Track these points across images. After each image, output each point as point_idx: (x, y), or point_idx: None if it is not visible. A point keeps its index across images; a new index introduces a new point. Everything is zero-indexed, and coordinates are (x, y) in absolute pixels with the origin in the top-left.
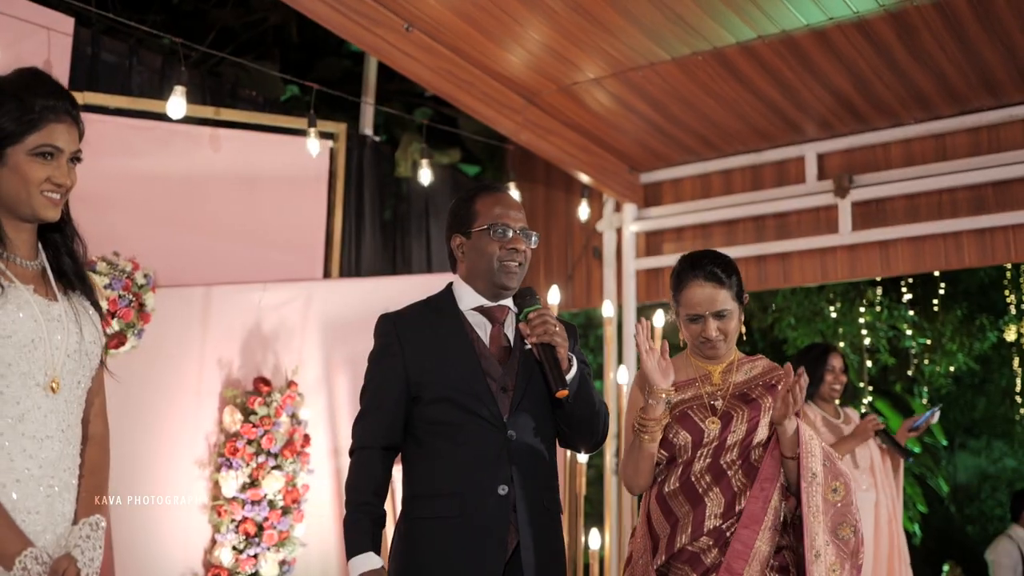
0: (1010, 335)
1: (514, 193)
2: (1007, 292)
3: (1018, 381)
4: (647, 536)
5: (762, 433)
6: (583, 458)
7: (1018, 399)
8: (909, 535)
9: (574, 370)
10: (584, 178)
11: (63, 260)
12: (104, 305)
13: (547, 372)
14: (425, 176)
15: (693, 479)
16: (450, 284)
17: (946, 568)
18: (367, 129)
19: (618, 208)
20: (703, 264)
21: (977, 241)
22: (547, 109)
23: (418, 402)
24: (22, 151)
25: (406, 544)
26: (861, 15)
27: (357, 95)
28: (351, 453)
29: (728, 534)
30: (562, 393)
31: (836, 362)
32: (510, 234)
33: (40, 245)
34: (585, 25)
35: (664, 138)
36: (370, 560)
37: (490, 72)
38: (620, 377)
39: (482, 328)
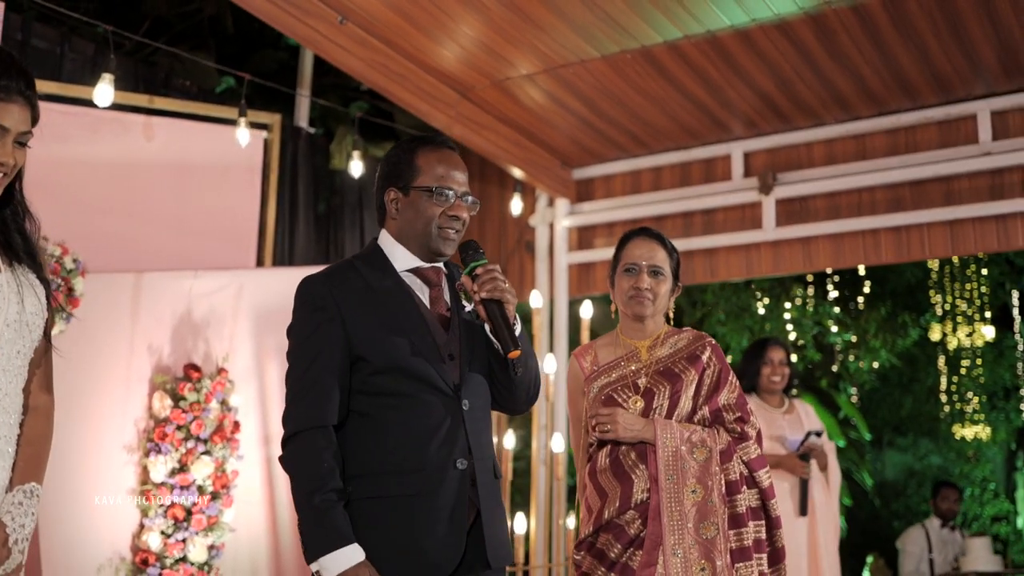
0: (935, 334)
1: (355, 167)
2: (932, 292)
3: (943, 380)
4: (585, 511)
5: (685, 406)
6: (509, 444)
7: (943, 397)
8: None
9: (518, 327)
10: (517, 173)
11: (13, 236)
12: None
13: (498, 331)
14: (356, 168)
15: (620, 457)
16: (375, 240)
17: (870, 560)
18: (302, 121)
19: (551, 203)
20: (646, 228)
21: (894, 238)
22: (481, 104)
23: (360, 371)
24: None
25: (370, 523)
26: (782, 16)
27: (293, 88)
28: (286, 442)
29: (633, 533)
30: (515, 353)
31: (774, 354)
32: (453, 199)
33: None
34: (517, 21)
35: (595, 135)
36: (353, 554)
37: (424, 66)
38: (548, 366)
39: (421, 291)
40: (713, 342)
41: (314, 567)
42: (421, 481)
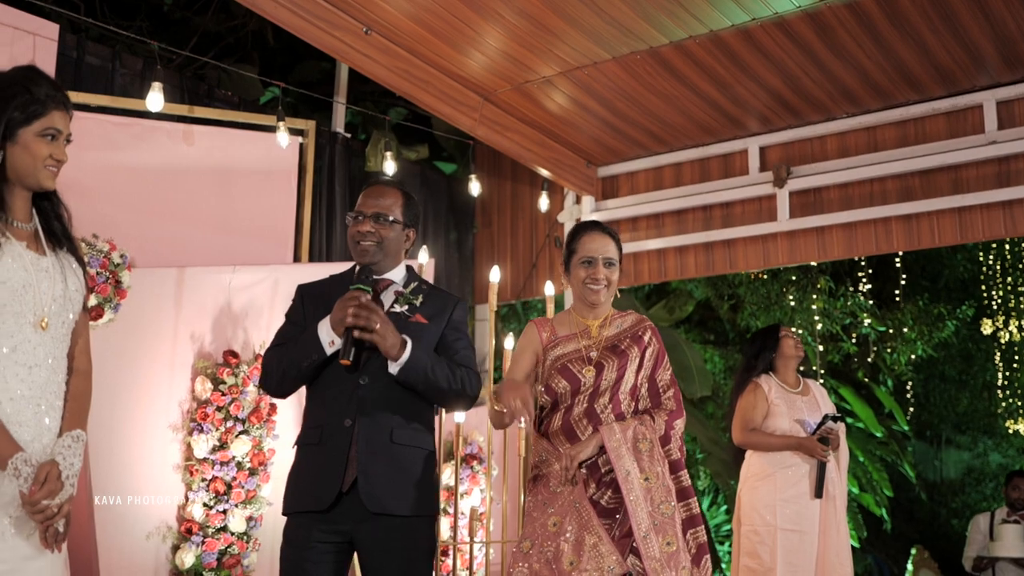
0: (987, 328)
1: (387, 167)
2: (983, 287)
3: (999, 376)
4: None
5: (629, 380)
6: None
7: (999, 394)
8: (878, 519)
9: (406, 355)
10: (543, 172)
11: (52, 223)
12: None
13: (343, 343)
14: (388, 168)
15: (572, 422)
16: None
17: (913, 552)
18: (339, 127)
19: (578, 200)
20: (596, 223)
21: (905, 226)
22: (503, 107)
23: None
24: (31, 133)
25: (291, 467)
26: (780, 15)
27: (332, 96)
28: (266, 358)
29: (601, 467)
30: (345, 362)
31: (786, 331)
32: (359, 218)
33: (33, 211)
34: (531, 28)
35: (617, 134)
36: (324, 322)
37: (447, 72)
38: None
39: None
40: (652, 325)
41: (325, 337)
42: (320, 434)
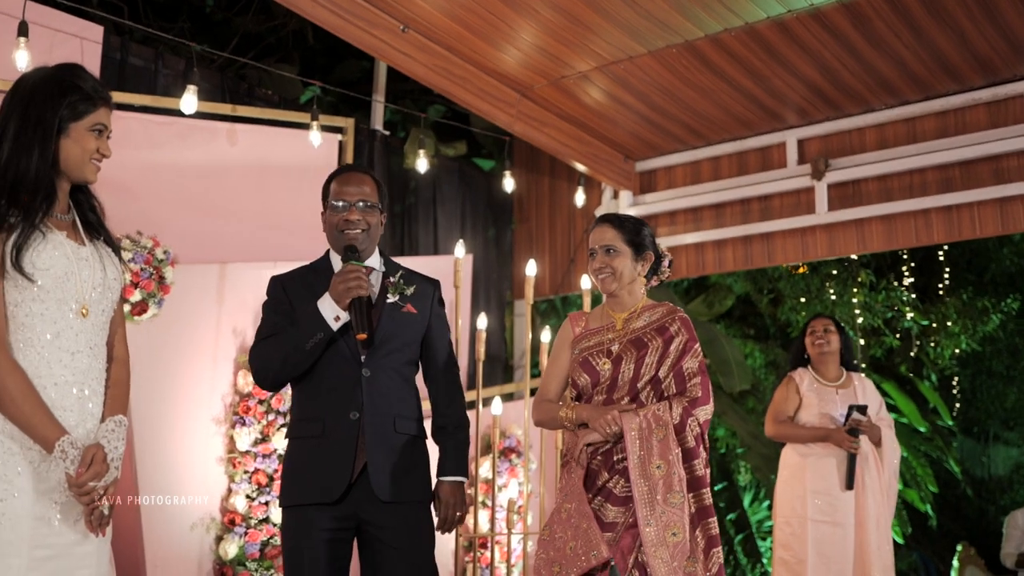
0: None
1: (422, 164)
2: None
3: None
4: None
5: (648, 372)
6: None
7: None
8: (923, 515)
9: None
10: (580, 167)
11: (88, 214)
12: (128, 277)
13: (353, 316)
14: (423, 165)
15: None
16: (328, 251)
17: (959, 549)
18: (377, 124)
19: (615, 195)
20: (603, 215)
21: (945, 218)
22: (540, 102)
23: None
24: (82, 127)
25: (287, 460)
26: (816, 6)
27: (371, 95)
28: (258, 352)
29: (616, 459)
30: (361, 336)
31: (817, 324)
32: (343, 206)
33: (70, 202)
34: (567, 24)
35: (654, 128)
36: (324, 299)
37: (483, 68)
38: None
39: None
40: (683, 316)
41: (329, 313)
42: (320, 427)
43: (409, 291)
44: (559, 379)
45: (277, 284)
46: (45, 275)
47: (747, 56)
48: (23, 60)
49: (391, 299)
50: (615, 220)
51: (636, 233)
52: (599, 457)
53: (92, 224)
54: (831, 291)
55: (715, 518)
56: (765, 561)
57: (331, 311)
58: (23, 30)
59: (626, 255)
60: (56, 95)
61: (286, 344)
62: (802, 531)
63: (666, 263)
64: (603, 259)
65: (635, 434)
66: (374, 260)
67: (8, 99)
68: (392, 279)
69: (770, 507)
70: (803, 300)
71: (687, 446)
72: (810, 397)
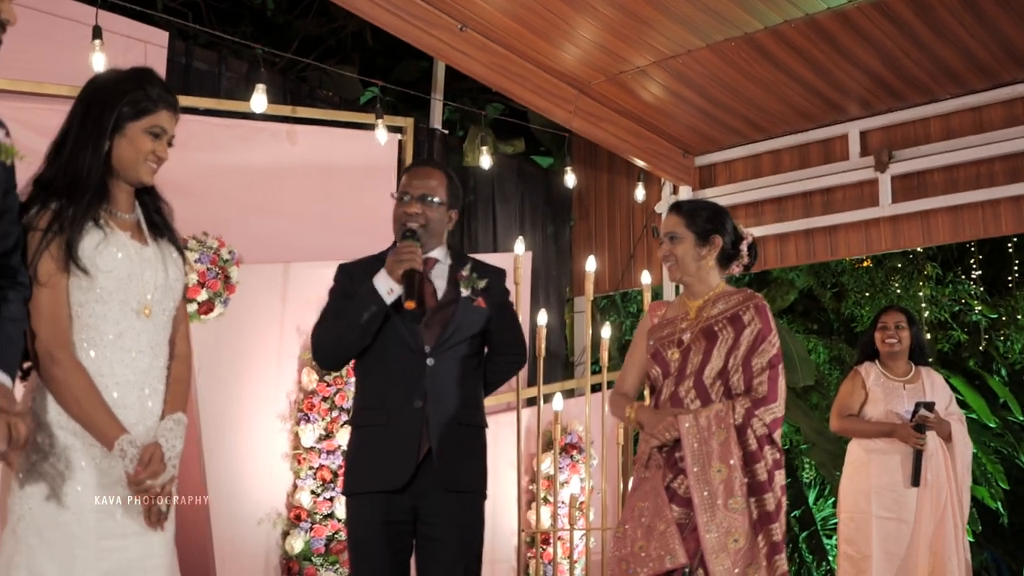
0: None
1: (483, 161)
2: None
3: None
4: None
5: (716, 363)
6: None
7: None
8: (994, 513)
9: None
10: (639, 163)
11: (153, 215)
12: (194, 277)
13: (404, 286)
14: (484, 162)
15: (660, 407)
16: (394, 242)
17: None
18: (436, 123)
19: (675, 190)
20: (676, 202)
21: (1014, 208)
22: (598, 98)
23: None
24: (139, 128)
25: (350, 448)
26: None
27: (430, 94)
28: (317, 330)
29: (678, 457)
30: (410, 304)
31: (888, 319)
32: (407, 199)
33: (136, 203)
34: (624, 19)
35: (714, 122)
36: (379, 274)
37: (541, 65)
38: None
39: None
40: (760, 303)
41: (383, 286)
42: (384, 415)
43: (481, 284)
44: (636, 371)
45: (343, 271)
46: (108, 276)
47: (808, 48)
48: (100, 63)
49: (465, 292)
50: (682, 206)
51: (706, 219)
52: (663, 455)
53: (157, 225)
54: (896, 285)
55: (779, 524)
56: (831, 559)
57: (385, 285)
58: (97, 34)
59: (687, 241)
60: (117, 95)
61: (342, 320)
62: (866, 527)
63: (745, 246)
64: (667, 247)
65: (694, 438)
66: (439, 253)
67: (77, 99)
68: (464, 273)
69: (835, 504)
70: (867, 294)
71: (749, 449)
72: (876, 392)
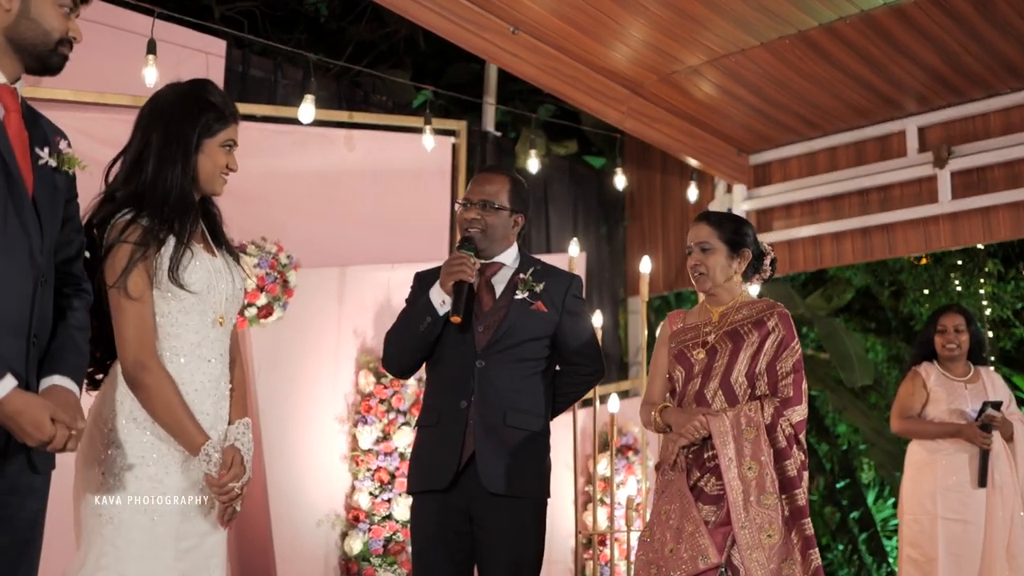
0: None
1: (533, 164)
2: None
3: None
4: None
5: (743, 366)
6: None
7: None
8: None
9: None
10: (693, 162)
11: (213, 224)
12: (253, 282)
13: (452, 299)
14: (534, 165)
15: (685, 404)
16: None
17: None
18: (488, 126)
19: (729, 189)
20: (704, 212)
21: None
22: (651, 99)
23: None
24: (215, 143)
25: (412, 448)
26: None
27: (482, 96)
28: (385, 339)
29: (706, 457)
30: (455, 319)
31: (948, 321)
32: (467, 206)
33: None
34: (676, 19)
35: (768, 120)
36: (435, 285)
37: (593, 67)
38: None
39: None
40: (782, 311)
41: (436, 297)
42: (435, 416)
43: (539, 288)
44: (661, 380)
45: (417, 278)
46: (192, 289)
47: (863, 44)
48: (152, 77)
49: (519, 295)
50: (712, 217)
51: (733, 231)
52: (690, 456)
53: (218, 234)
54: (956, 282)
55: (809, 519)
56: (891, 560)
57: (438, 296)
58: (151, 48)
59: (720, 252)
60: (195, 112)
61: (404, 329)
62: (932, 529)
63: (767, 261)
64: (698, 256)
65: (726, 436)
66: (505, 257)
67: (147, 115)
68: (523, 276)
69: (894, 505)
70: (927, 292)
71: (778, 447)
72: (938, 392)
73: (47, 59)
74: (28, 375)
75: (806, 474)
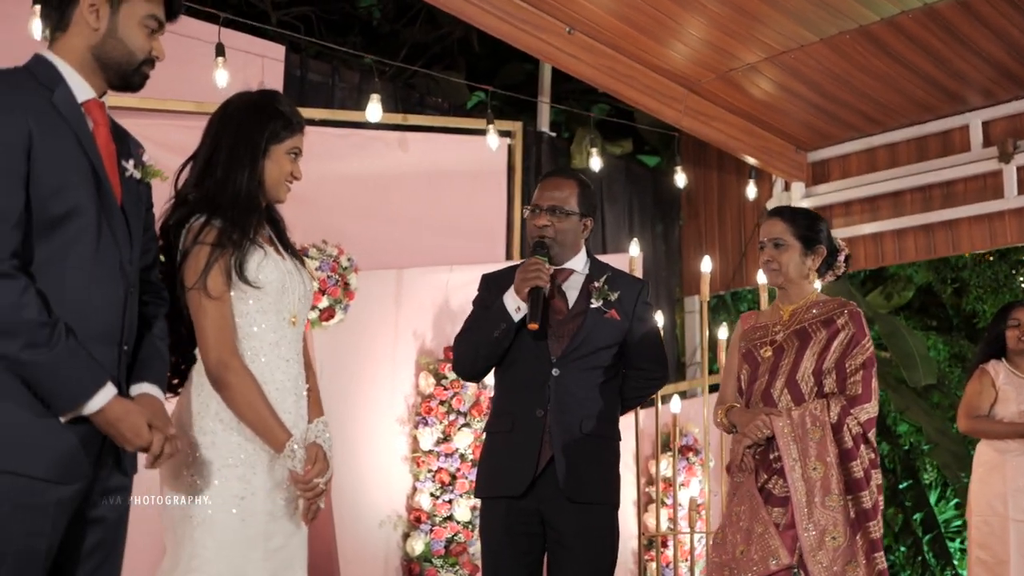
0: None
1: (592, 163)
2: None
3: None
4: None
5: (808, 364)
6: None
7: None
8: None
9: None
10: (751, 160)
11: (279, 228)
12: (315, 284)
13: (528, 306)
14: (595, 164)
15: (751, 403)
16: None
17: None
18: (544, 126)
19: (787, 187)
20: (774, 208)
21: None
22: (708, 96)
23: None
24: (282, 150)
25: (481, 453)
26: None
27: (536, 97)
28: (456, 343)
29: (772, 458)
30: (532, 326)
31: (1020, 315)
32: (537, 211)
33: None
34: (734, 15)
35: (827, 117)
36: (509, 291)
37: (650, 65)
38: None
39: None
40: (854, 309)
41: (511, 304)
42: (509, 422)
43: (613, 296)
44: (732, 381)
45: (484, 281)
46: (268, 290)
47: (926, 38)
48: (223, 80)
49: (595, 304)
50: (786, 213)
51: (808, 227)
52: (756, 457)
53: (283, 238)
54: (1021, 279)
55: (876, 522)
56: (956, 563)
57: (513, 302)
58: (220, 52)
59: (795, 249)
60: (264, 120)
61: (477, 335)
62: (1003, 531)
63: (842, 258)
64: (771, 252)
65: (789, 436)
66: (576, 263)
67: (217, 121)
68: (596, 284)
69: (958, 506)
70: (990, 289)
71: (845, 447)
72: (1007, 391)
73: (130, 78)
74: (120, 383)
75: (876, 473)
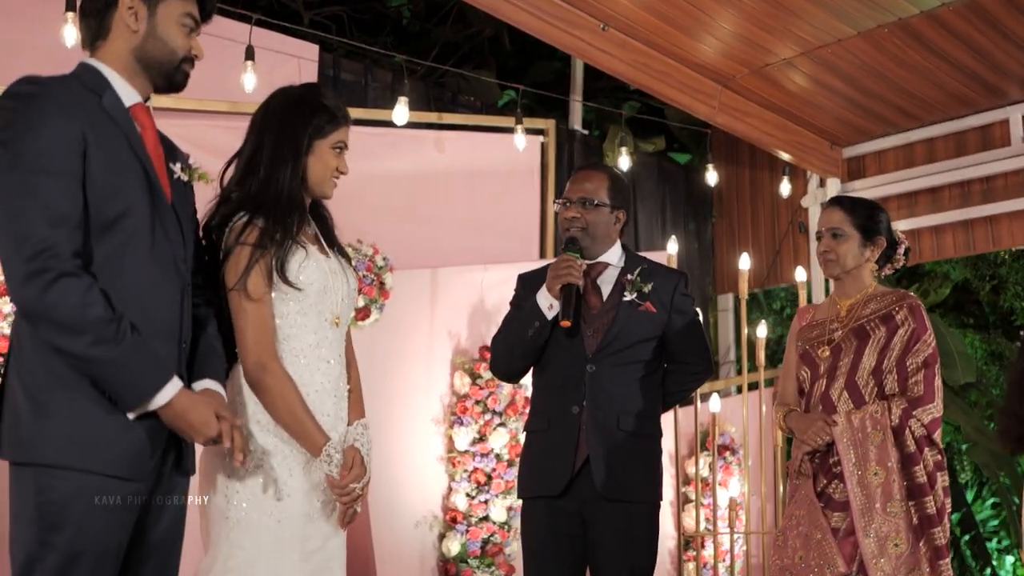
0: None
1: (622, 161)
2: None
3: None
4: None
5: (868, 363)
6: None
7: None
8: None
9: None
10: (785, 156)
11: (325, 226)
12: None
13: (560, 303)
14: (624, 162)
15: (811, 409)
16: None
17: None
18: (576, 124)
19: (822, 183)
20: (833, 197)
21: None
22: (742, 92)
23: None
24: (326, 145)
25: (521, 453)
26: None
27: (567, 94)
28: (493, 343)
29: (832, 463)
30: (565, 323)
31: None
32: (566, 205)
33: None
34: (770, 10)
35: (863, 112)
36: (541, 289)
37: (683, 61)
38: None
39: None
40: (914, 303)
41: (544, 302)
42: (546, 421)
43: (647, 288)
44: (791, 381)
45: (520, 281)
46: (310, 290)
47: (967, 31)
48: (251, 83)
49: (628, 297)
50: (845, 202)
51: (867, 217)
52: (815, 461)
53: (329, 236)
54: None
55: (941, 528)
56: (996, 563)
57: (545, 300)
58: (250, 54)
59: (853, 240)
60: (306, 114)
61: (511, 334)
62: None
63: (901, 250)
64: (828, 242)
65: (848, 441)
66: (610, 256)
67: (260, 118)
68: (630, 276)
69: (993, 506)
70: (1022, 286)
71: (907, 451)
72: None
73: (172, 76)
74: (182, 379)
75: (942, 475)
